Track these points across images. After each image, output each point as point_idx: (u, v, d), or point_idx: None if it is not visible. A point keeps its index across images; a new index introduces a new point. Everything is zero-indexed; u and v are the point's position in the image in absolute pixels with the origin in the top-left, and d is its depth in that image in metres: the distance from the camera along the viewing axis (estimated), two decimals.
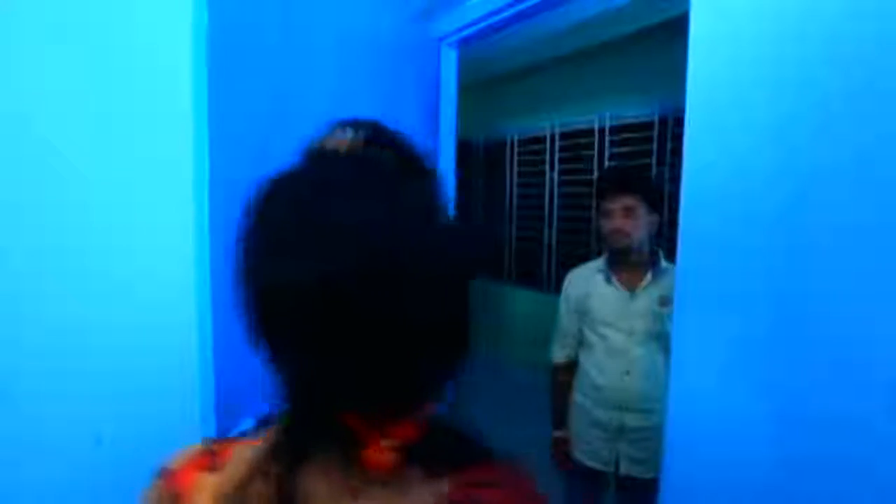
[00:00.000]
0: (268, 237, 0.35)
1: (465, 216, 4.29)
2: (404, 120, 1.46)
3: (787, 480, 0.72)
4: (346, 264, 0.31)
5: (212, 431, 0.91)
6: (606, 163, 3.18)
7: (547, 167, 3.61)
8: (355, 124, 0.40)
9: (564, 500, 1.63)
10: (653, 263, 1.43)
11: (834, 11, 0.65)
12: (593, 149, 3.25)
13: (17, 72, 0.81)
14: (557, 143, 3.52)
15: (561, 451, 1.59)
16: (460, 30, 1.48)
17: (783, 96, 0.70)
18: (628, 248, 1.40)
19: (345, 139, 0.39)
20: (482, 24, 1.43)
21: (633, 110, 3.01)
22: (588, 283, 1.52)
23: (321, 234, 0.32)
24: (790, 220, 0.70)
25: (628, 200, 1.38)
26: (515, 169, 3.88)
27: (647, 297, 1.41)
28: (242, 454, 0.40)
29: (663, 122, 2.85)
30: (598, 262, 1.53)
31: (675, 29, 2.55)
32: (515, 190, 3.91)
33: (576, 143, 3.38)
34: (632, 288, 1.43)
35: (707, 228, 0.80)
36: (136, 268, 0.97)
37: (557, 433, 1.61)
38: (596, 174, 3.25)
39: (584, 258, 3.40)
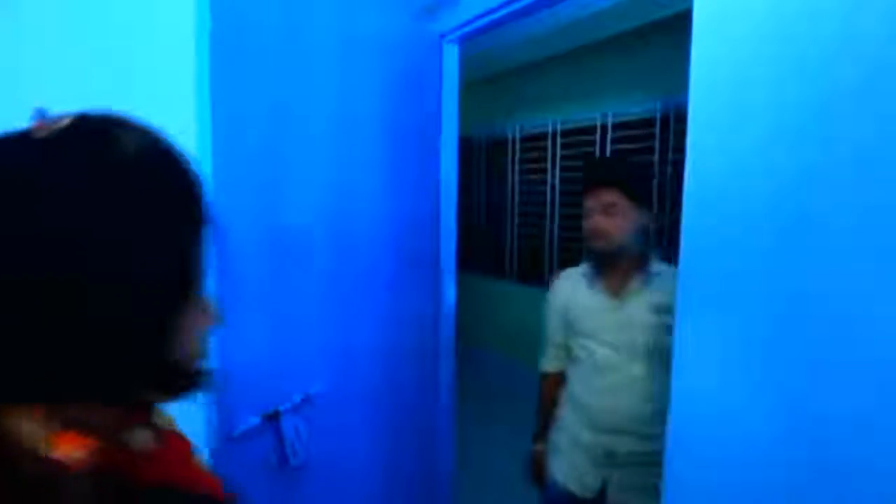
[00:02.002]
0: None
1: (467, 214, 4.29)
2: (406, 117, 1.47)
3: (791, 482, 0.72)
4: None
5: (214, 430, 0.92)
6: None
7: (549, 164, 3.60)
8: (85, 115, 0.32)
9: None
10: (642, 266, 1.25)
11: (838, 8, 0.64)
12: (595, 146, 3.24)
13: (21, 72, 0.82)
14: (559, 141, 3.51)
15: (536, 466, 1.44)
16: (462, 26, 1.48)
17: (786, 93, 0.70)
18: (609, 251, 1.24)
19: (55, 122, 0.30)
20: (484, 21, 1.42)
21: (635, 107, 3.00)
22: (572, 289, 1.35)
23: None
24: (794, 218, 0.70)
25: (607, 196, 1.22)
26: (517, 166, 3.87)
27: (635, 306, 1.22)
28: None
29: (665, 118, 2.85)
30: (584, 266, 1.36)
31: (677, 25, 2.53)
32: (517, 187, 3.90)
33: (578, 140, 3.37)
34: (618, 295, 1.26)
35: (709, 227, 0.80)
36: None
37: (536, 447, 1.45)
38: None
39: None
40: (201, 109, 0.85)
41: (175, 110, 0.99)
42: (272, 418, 1.04)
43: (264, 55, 0.97)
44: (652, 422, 1.19)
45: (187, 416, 1.05)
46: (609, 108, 3.15)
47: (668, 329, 1.10)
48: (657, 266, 1.25)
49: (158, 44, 0.97)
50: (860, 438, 0.64)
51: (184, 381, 0.36)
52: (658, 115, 2.87)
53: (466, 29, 1.48)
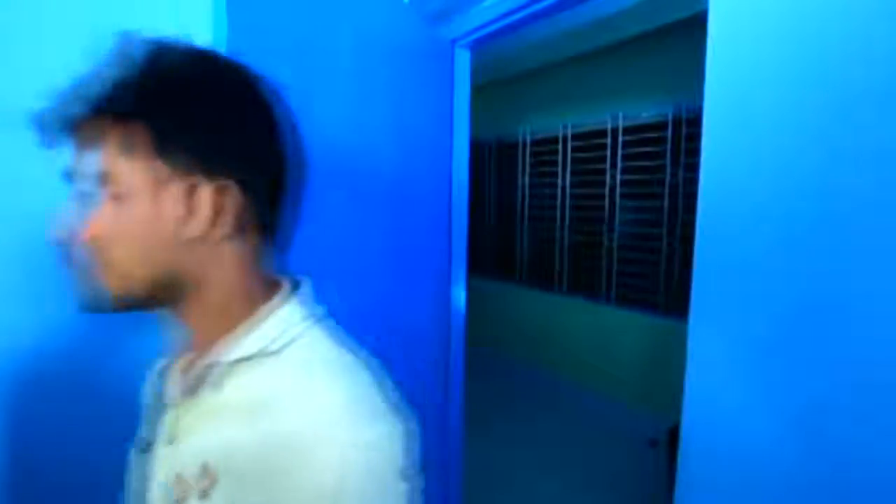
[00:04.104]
0: None
1: (477, 217, 4.29)
2: (417, 121, 1.47)
3: (805, 482, 0.71)
4: None
5: None
6: (620, 163, 3.15)
7: (560, 168, 3.59)
8: None
9: None
10: (229, 333, 0.44)
11: (854, 8, 0.64)
12: (606, 149, 3.23)
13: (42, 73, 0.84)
14: (570, 144, 3.50)
15: None
16: (473, 32, 1.48)
17: (804, 94, 0.69)
18: (116, 300, 0.44)
19: None
20: (495, 26, 1.43)
21: (647, 110, 2.98)
22: None
23: None
24: (810, 218, 0.69)
25: (87, 158, 0.42)
26: (528, 169, 3.87)
27: (169, 447, 0.46)
28: None
29: (677, 121, 2.82)
30: None
31: (688, 28, 2.52)
32: (528, 190, 3.90)
33: (589, 143, 3.36)
34: (172, 396, 0.48)
35: (724, 229, 0.79)
36: None
37: None
38: (609, 175, 3.23)
39: (597, 259, 3.37)
40: None
41: None
42: None
43: (279, 61, 0.98)
44: None
45: None
46: (621, 111, 3.13)
47: None
48: (273, 333, 0.44)
49: None
50: (875, 443, 0.63)
51: None
52: (670, 119, 2.85)
53: (478, 34, 1.48)
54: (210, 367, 0.44)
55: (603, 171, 3.26)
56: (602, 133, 3.25)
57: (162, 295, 0.44)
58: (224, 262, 0.45)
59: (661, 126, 2.90)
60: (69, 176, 0.44)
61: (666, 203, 2.90)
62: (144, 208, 0.41)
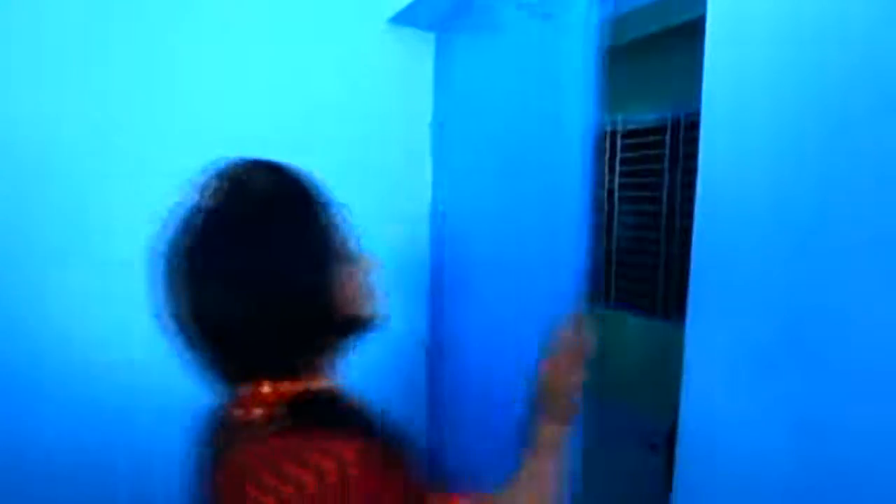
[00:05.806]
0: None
1: None
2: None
3: (802, 486, 0.71)
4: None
5: None
6: (618, 167, 3.16)
7: None
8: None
9: None
10: None
11: (851, 14, 0.64)
12: (605, 153, 3.24)
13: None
14: None
15: None
16: None
17: (800, 99, 0.69)
18: None
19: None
20: None
21: (646, 115, 2.99)
22: None
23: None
24: (808, 222, 0.69)
25: None
26: None
27: None
28: None
29: (676, 126, 2.83)
30: None
31: (687, 33, 2.53)
32: None
33: None
34: None
35: (720, 234, 0.79)
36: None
37: None
38: (607, 179, 3.24)
39: (595, 262, 3.36)
40: None
41: None
42: None
43: None
44: None
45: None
46: (619, 115, 3.14)
47: None
48: None
49: None
50: (872, 447, 0.63)
51: (355, 324, 0.49)
52: (669, 123, 2.86)
53: None
54: None
55: (601, 175, 3.27)
56: (601, 137, 3.26)
57: None
58: None
59: (659, 130, 2.91)
60: None
61: (664, 207, 2.90)
62: None
